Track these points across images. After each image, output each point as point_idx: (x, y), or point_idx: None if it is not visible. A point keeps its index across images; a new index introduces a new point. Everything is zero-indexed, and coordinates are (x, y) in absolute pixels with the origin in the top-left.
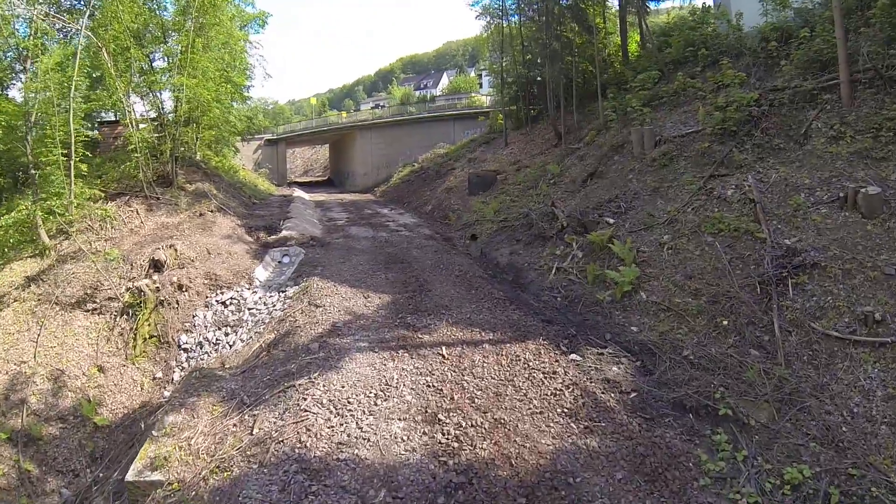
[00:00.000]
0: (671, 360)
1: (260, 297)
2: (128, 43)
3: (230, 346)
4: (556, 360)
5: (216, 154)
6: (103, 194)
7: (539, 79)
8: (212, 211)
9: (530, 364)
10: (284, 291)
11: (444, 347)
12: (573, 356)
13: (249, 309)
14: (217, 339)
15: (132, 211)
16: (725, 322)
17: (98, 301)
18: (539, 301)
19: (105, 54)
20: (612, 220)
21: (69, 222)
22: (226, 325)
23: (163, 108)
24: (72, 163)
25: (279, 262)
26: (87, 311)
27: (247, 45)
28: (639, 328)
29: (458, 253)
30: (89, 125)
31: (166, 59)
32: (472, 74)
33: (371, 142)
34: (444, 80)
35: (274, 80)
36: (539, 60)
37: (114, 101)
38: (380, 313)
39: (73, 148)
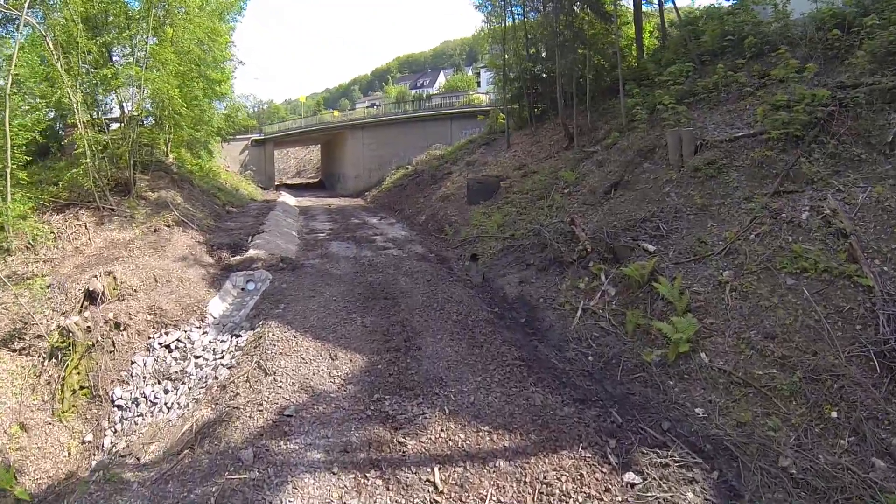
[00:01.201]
0: (763, 471)
1: (210, 341)
2: (75, 31)
3: (167, 410)
4: (607, 488)
5: (194, 156)
6: (49, 205)
7: (544, 76)
8: (169, 226)
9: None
10: (239, 336)
11: (437, 467)
12: (629, 476)
13: (196, 357)
14: (155, 397)
15: (80, 225)
16: (834, 413)
17: (27, 339)
18: (564, 360)
19: (48, 44)
20: (651, 248)
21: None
22: (167, 378)
23: (123, 107)
24: (8, 171)
25: (242, 288)
26: (15, 350)
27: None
28: (705, 411)
29: (455, 280)
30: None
31: (131, 51)
32: (470, 73)
33: (363, 142)
34: (441, 79)
35: (270, 79)
36: (544, 54)
37: (59, 98)
38: (348, 391)
39: (8, 153)
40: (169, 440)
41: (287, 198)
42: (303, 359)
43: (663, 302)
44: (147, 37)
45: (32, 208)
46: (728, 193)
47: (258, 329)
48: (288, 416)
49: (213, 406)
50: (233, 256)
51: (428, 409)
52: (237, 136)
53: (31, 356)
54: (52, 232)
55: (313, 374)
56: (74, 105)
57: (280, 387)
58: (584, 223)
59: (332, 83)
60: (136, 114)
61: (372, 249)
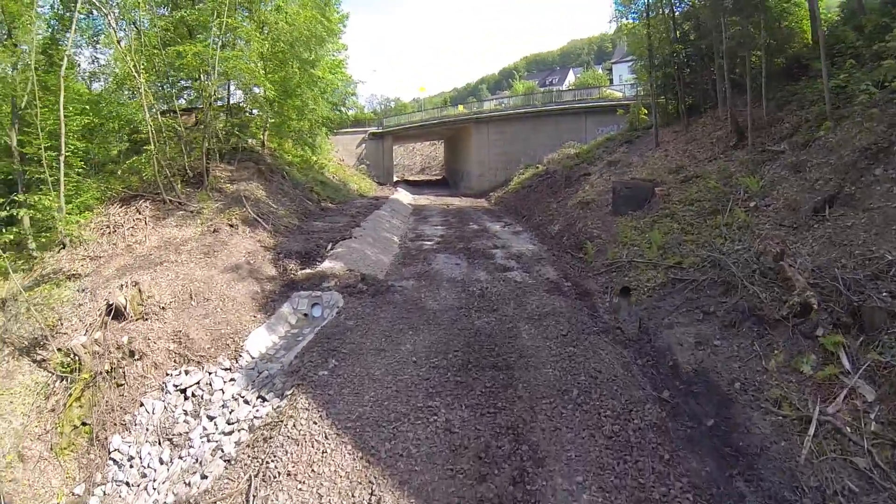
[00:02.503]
0: None
1: (233, 396)
2: (137, 5)
3: (151, 491)
4: None
5: (297, 147)
6: (118, 195)
7: (692, 63)
8: (232, 225)
9: None
10: (265, 399)
11: None
12: None
13: (209, 419)
14: (149, 464)
15: (140, 219)
16: None
17: (49, 349)
18: None
19: (111, 21)
20: None
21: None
22: (168, 439)
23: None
24: (62, 158)
25: (305, 314)
26: (36, 361)
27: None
28: None
29: (602, 331)
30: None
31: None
32: (600, 71)
33: (488, 138)
34: (571, 77)
35: (399, 78)
36: (692, 36)
37: (122, 77)
38: None
39: (62, 139)
40: None
41: (402, 195)
42: (319, 498)
43: None
44: (224, 11)
45: (99, 199)
46: None
47: (285, 401)
48: None
49: None
50: (301, 269)
51: None
52: (354, 129)
53: (48, 372)
54: (108, 225)
55: None
56: (140, 87)
57: None
58: (793, 255)
59: (460, 83)
60: (206, 96)
61: (488, 270)
